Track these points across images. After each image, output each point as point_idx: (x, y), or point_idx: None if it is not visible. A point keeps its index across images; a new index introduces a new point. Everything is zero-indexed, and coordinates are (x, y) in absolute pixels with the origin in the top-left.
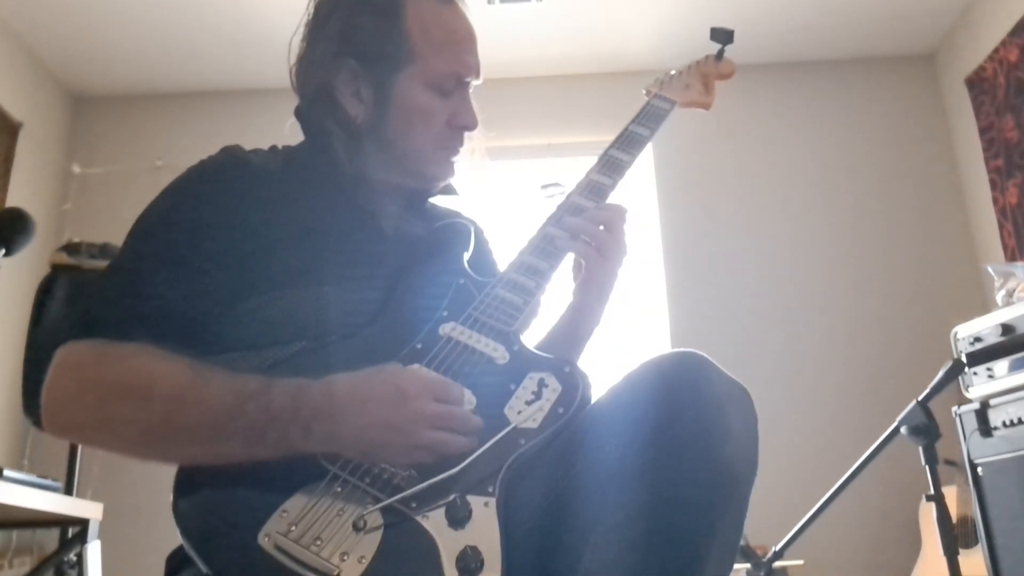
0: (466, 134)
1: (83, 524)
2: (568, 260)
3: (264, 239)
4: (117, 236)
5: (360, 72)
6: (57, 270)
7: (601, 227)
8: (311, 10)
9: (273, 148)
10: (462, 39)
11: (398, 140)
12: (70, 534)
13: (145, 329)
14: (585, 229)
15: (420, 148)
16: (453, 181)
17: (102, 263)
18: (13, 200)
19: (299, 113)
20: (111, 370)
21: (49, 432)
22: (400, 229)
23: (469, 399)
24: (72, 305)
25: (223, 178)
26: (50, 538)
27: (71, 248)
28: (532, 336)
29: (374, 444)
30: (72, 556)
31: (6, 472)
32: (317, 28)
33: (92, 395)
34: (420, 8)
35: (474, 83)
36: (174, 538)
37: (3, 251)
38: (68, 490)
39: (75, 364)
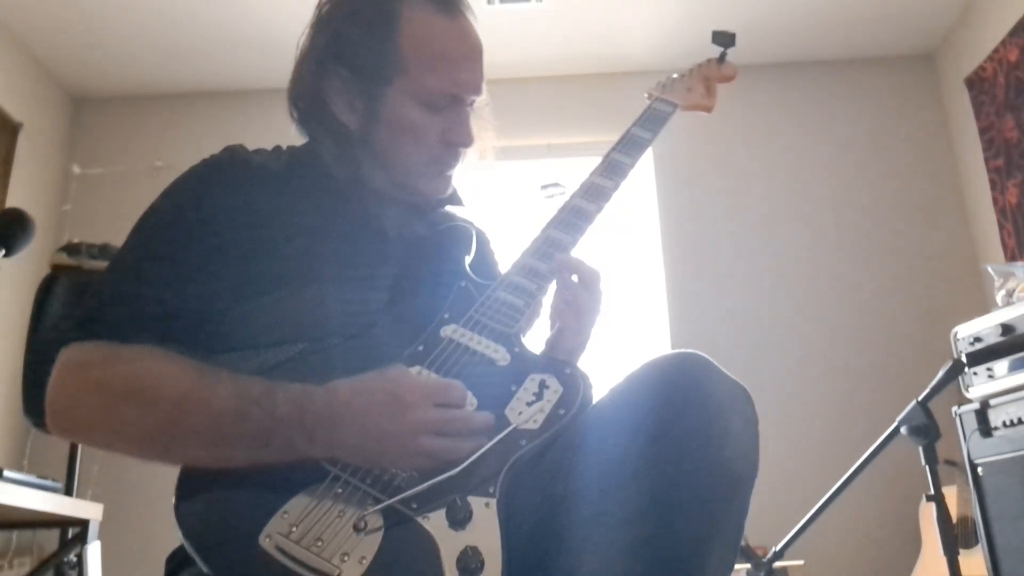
0: (474, 132)
1: (83, 525)
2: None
3: (266, 239)
4: (117, 236)
5: (351, 83)
6: (57, 271)
7: (578, 287)
8: (314, 14)
9: (277, 148)
10: (458, 56)
11: (388, 154)
12: (70, 535)
13: (148, 330)
14: (564, 288)
15: (409, 163)
16: (458, 190)
17: (102, 263)
18: (13, 200)
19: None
20: (117, 372)
21: (53, 432)
22: (402, 231)
23: (470, 400)
24: (74, 305)
25: (225, 177)
26: (50, 539)
27: (71, 249)
28: (534, 338)
29: (374, 453)
30: (72, 557)
31: (6, 472)
32: (314, 35)
33: (98, 396)
34: (417, 22)
35: (475, 99)
36: (174, 538)
37: (3, 251)
38: (68, 491)
39: (81, 365)
